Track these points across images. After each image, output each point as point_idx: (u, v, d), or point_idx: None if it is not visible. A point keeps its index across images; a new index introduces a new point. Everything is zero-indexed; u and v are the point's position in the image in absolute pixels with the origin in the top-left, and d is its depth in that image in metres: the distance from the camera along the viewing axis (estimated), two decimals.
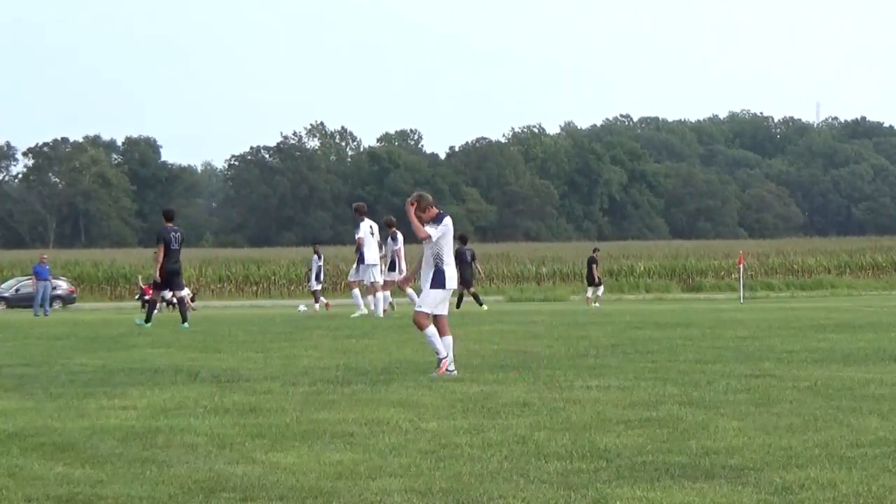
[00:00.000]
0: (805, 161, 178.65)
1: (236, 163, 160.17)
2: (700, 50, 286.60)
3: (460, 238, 36.79)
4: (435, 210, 14.18)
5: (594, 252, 48.73)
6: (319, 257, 44.38)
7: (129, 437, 9.21)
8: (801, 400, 11.05)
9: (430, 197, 14.44)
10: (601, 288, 47.64)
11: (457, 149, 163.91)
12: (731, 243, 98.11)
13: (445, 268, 13.97)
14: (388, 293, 28.81)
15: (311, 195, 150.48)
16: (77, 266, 72.87)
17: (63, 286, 60.45)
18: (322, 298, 42.99)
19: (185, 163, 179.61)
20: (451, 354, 13.89)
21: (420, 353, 16.39)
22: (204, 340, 19.48)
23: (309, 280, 45.84)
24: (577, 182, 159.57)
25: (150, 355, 16.88)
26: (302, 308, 42.30)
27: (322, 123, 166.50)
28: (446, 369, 13.70)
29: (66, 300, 59.24)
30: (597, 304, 43.67)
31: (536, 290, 66.44)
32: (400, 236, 28.44)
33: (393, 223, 28.73)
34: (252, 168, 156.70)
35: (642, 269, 75.07)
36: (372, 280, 27.84)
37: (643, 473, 7.65)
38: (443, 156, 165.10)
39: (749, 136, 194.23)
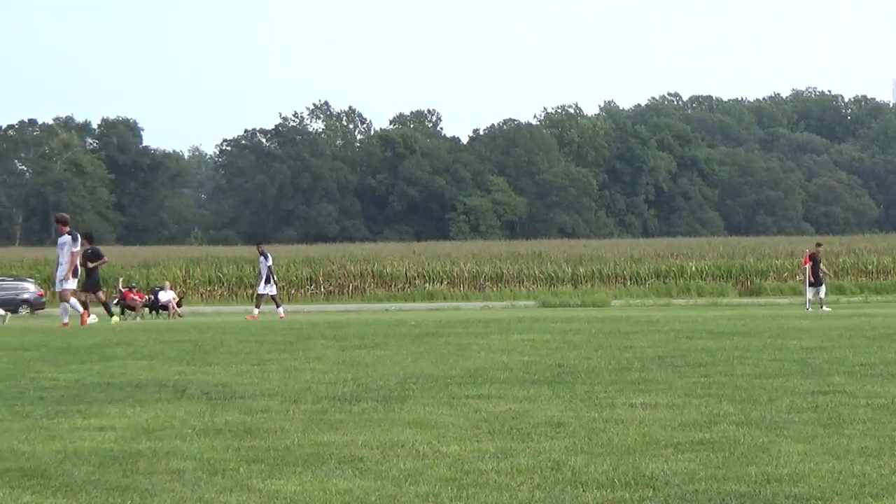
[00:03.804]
0: (880, 146, 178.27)
1: (229, 148, 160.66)
2: (760, 19, 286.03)
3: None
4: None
5: (817, 247, 49.33)
6: (266, 258, 44.26)
7: (106, 462, 9.24)
8: (877, 420, 11.03)
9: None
10: (823, 288, 48.00)
11: (481, 132, 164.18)
12: (796, 240, 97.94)
13: None
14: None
15: (314, 185, 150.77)
16: (47, 266, 72.94)
17: (31, 289, 60.69)
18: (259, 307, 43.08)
19: (170, 148, 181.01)
20: None
21: (440, 366, 16.41)
22: (192, 351, 19.52)
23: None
24: (618, 170, 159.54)
25: (131, 368, 16.92)
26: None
27: (327, 103, 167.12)
28: None
29: (35, 305, 59.46)
30: (824, 308, 44.07)
31: (573, 294, 66.45)
32: (80, 239, 32.45)
33: (65, 219, 32.51)
34: (247, 154, 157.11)
35: (693, 269, 74.99)
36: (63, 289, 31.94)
37: (695, 503, 7.65)
38: (465, 140, 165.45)
39: (816, 117, 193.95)
